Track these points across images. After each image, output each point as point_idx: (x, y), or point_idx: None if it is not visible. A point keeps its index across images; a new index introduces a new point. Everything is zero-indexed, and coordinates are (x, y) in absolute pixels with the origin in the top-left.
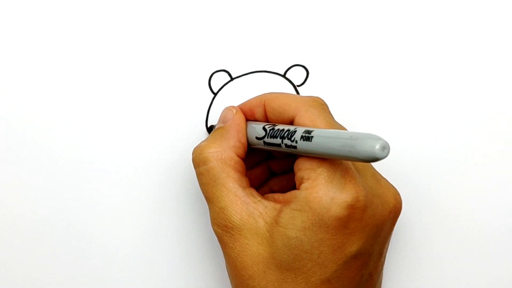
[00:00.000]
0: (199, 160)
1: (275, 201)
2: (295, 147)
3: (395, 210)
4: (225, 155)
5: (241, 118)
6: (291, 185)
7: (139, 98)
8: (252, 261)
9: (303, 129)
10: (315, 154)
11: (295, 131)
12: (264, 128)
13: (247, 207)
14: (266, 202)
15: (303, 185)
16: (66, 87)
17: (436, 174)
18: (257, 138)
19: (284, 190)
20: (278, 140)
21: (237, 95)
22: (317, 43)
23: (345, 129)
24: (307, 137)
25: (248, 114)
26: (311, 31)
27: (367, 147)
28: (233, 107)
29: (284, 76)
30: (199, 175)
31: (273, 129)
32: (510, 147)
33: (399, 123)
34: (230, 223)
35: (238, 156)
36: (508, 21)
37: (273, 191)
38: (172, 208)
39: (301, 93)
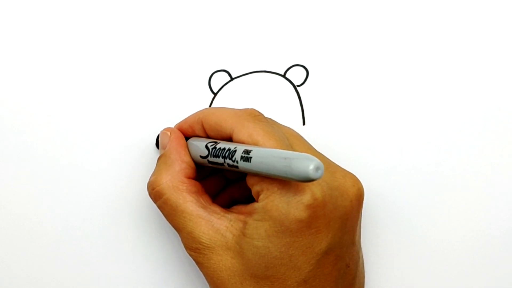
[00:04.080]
0: (154, 196)
1: (238, 212)
2: (236, 167)
3: (357, 198)
4: (175, 182)
5: (177, 139)
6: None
7: (139, 98)
8: (228, 275)
9: (243, 148)
10: (256, 173)
11: (235, 151)
12: (206, 147)
13: (212, 225)
14: (230, 216)
15: (260, 197)
16: (67, 88)
17: (432, 171)
18: (201, 157)
19: (244, 196)
20: (220, 160)
21: (237, 95)
22: (317, 43)
23: (289, 130)
24: (246, 157)
25: (189, 131)
26: (311, 31)
27: (301, 167)
28: (167, 129)
29: (284, 76)
30: (160, 209)
31: (215, 148)
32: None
33: (399, 123)
34: (200, 244)
35: (188, 177)
36: (504, 25)
37: (234, 198)
38: None
39: (301, 93)
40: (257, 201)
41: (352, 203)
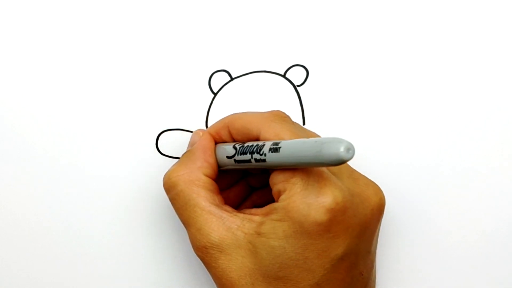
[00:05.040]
0: (168, 186)
1: (251, 213)
2: (264, 160)
3: (378, 207)
4: (193, 177)
5: (207, 139)
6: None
7: (139, 98)
8: (238, 276)
9: (271, 142)
10: (284, 165)
11: (264, 145)
12: (234, 147)
13: (224, 222)
14: (242, 215)
15: (281, 198)
16: (67, 88)
17: (432, 172)
18: (227, 157)
19: (268, 203)
20: (247, 156)
21: (237, 95)
22: (317, 43)
23: (315, 135)
24: (275, 148)
25: (216, 137)
26: (311, 31)
27: (332, 150)
28: (200, 130)
29: (284, 76)
30: (172, 201)
31: (242, 146)
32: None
33: (399, 123)
34: (209, 242)
35: (207, 176)
36: (504, 25)
37: (256, 205)
38: (171, 209)
39: (301, 93)
40: (277, 201)
41: (373, 212)
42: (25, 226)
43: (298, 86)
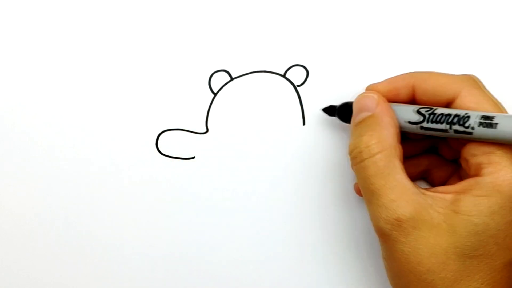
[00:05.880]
0: (364, 153)
1: (439, 192)
2: (469, 133)
3: None
4: (393, 144)
5: (386, 102)
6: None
7: (139, 98)
8: (429, 254)
9: (478, 114)
10: (497, 140)
11: (468, 117)
12: (419, 112)
13: (417, 199)
14: (432, 194)
15: (486, 170)
16: (67, 88)
17: None
18: (410, 123)
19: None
20: (443, 126)
21: (237, 95)
22: (317, 43)
23: (500, 103)
24: (488, 123)
25: (390, 95)
26: (311, 31)
27: None
28: (370, 92)
29: (284, 76)
30: (364, 168)
31: (433, 113)
32: None
33: None
34: (402, 215)
35: (399, 143)
36: (505, 25)
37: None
38: (172, 208)
39: (301, 93)
40: (477, 175)
41: None
42: (25, 226)
43: (298, 86)
